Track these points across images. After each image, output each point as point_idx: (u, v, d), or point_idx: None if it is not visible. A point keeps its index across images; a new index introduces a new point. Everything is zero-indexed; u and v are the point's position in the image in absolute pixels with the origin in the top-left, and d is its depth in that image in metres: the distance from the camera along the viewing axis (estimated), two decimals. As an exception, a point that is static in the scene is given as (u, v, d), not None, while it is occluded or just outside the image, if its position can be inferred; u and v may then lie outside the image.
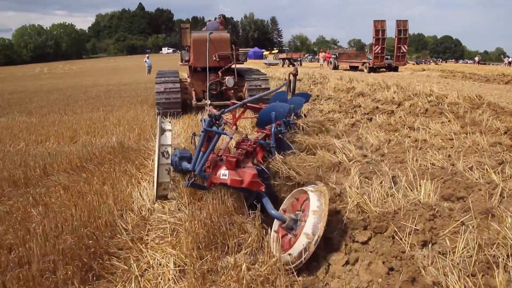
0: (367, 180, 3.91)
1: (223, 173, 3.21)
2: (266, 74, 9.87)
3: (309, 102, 9.09)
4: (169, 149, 3.56)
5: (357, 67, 31.08)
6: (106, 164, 4.66)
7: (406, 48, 26.16)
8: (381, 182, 3.74)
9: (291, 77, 7.42)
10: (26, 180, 4.18)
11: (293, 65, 42.94)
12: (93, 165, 4.59)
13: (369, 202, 3.29)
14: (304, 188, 3.09)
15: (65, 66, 66.74)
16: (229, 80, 8.58)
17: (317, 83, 14.41)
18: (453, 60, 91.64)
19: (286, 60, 45.35)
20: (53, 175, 4.36)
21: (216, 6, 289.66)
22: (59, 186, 3.95)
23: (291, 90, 7.42)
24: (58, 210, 3.27)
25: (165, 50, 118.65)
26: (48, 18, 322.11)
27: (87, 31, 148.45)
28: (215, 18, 10.29)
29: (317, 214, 2.69)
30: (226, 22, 10.38)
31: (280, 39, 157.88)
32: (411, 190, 3.51)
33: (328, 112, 7.86)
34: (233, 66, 8.79)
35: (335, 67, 32.15)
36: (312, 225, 2.64)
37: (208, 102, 8.27)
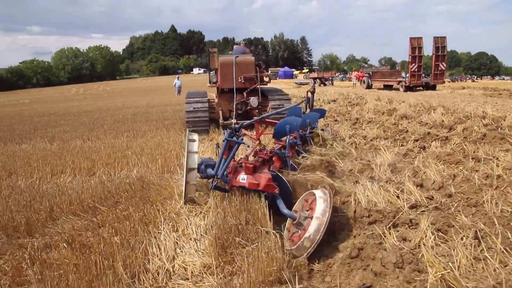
0: (440, 233, 3.09)
1: (242, 178, 3.65)
2: (288, 94, 10.37)
3: (350, 127, 8.31)
4: (196, 156, 4.06)
5: (392, 86, 29.94)
6: (122, 204, 4.00)
7: (445, 65, 24.92)
8: (462, 239, 2.91)
9: (309, 95, 7.95)
10: (28, 226, 3.56)
11: (325, 85, 42.39)
12: (106, 207, 3.94)
13: (456, 273, 2.46)
14: (312, 190, 3.45)
15: (99, 87, 68.53)
16: (254, 100, 9.07)
17: (354, 104, 13.55)
18: (488, 77, 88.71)
19: (318, 80, 44.77)
20: (60, 219, 3.73)
21: (246, 26, 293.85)
22: (63, 235, 3.30)
23: (310, 107, 7.95)
24: (53, 276, 2.59)
25: (196, 70, 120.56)
26: (87, 41, 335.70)
27: (121, 53, 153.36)
28: (239, 43, 10.99)
29: (319, 220, 2.98)
30: (248, 46, 11.05)
31: (310, 58, 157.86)
32: (507, 252, 2.67)
33: (373, 138, 7.02)
34: (257, 87, 9.29)
35: (369, 86, 31.08)
36: (316, 226, 2.95)
37: (234, 121, 8.52)
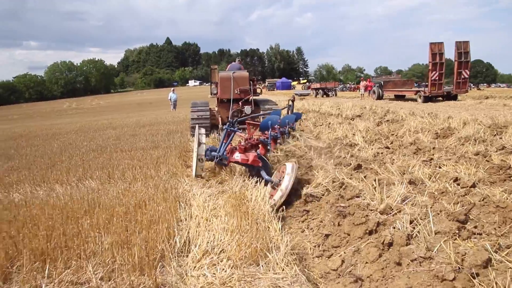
0: None
1: (236, 155, 5.46)
2: (277, 104, 12.09)
3: (419, 160, 5.77)
4: (204, 146, 5.62)
5: (404, 96, 27.60)
6: None
7: (468, 73, 22.58)
8: None
9: (290, 102, 11.60)
10: None
11: (328, 95, 40.32)
12: None
13: None
14: (284, 162, 5.14)
15: (93, 101, 66.07)
16: (247, 109, 10.43)
17: (389, 121, 11.08)
18: (485, 85, 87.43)
19: (320, 90, 42.66)
20: None
21: (241, 38, 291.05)
22: None
23: (291, 111, 11.13)
24: None
25: (191, 82, 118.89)
26: (84, 55, 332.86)
27: (116, 66, 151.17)
28: (235, 60, 12.56)
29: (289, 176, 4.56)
30: (242, 63, 13.04)
31: (306, 68, 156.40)
32: None
33: (475, 184, 4.48)
34: (250, 97, 10.73)
35: (380, 97, 28.71)
36: (286, 182, 4.53)
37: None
